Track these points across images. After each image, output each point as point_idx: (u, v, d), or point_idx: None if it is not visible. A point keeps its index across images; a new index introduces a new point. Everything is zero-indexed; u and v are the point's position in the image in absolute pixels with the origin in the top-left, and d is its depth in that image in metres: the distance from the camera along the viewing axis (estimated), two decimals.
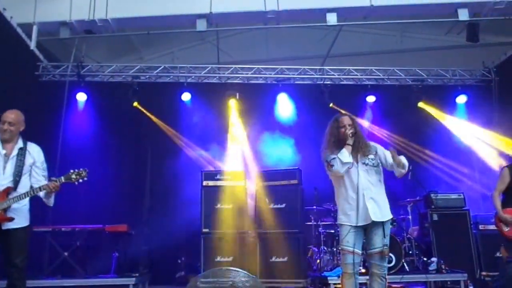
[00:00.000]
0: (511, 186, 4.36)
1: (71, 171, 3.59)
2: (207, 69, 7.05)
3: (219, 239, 5.68)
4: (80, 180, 3.59)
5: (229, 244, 5.66)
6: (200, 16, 6.14)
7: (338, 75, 7.08)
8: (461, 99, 7.14)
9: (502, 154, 6.29)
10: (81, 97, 6.90)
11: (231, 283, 4.18)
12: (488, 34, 6.55)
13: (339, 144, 3.51)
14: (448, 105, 7.16)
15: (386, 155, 3.55)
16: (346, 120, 3.59)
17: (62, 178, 3.57)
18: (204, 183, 5.96)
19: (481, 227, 5.96)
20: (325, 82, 7.03)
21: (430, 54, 7.19)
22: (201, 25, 6.17)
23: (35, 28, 5.86)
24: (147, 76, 7.06)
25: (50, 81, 6.87)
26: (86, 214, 6.15)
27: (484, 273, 5.65)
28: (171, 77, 7.08)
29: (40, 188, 3.54)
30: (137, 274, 5.34)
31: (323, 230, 5.80)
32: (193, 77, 7.08)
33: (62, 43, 6.47)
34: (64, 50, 6.82)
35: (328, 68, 7.08)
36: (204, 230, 5.77)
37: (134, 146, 7.00)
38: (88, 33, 6.31)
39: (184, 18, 6.27)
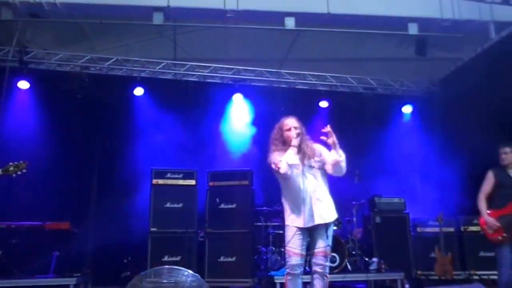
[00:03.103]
0: (495, 189, 4.34)
1: (10, 163, 3.48)
2: (162, 64, 6.88)
3: (167, 239, 5.59)
4: (19, 172, 3.47)
5: (177, 244, 5.58)
6: (157, 9, 6.00)
7: (294, 79, 7.21)
8: (407, 109, 7.56)
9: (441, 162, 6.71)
10: (23, 85, 6.47)
11: (174, 282, 4.13)
12: (435, 49, 6.95)
13: (285, 146, 3.55)
14: (395, 114, 7.55)
15: (328, 155, 3.56)
16: (291, 122, 3.62)
17: (0, 170, 3.42)
18: (154, 181, 5.80)
19: (418, 229, 6.33)
20: (280, 85, 7.14)
21: (382, 64, 7.50)
22: (158, 19, 6.02)
23: None
24: (97, 68, 6.77)
25: None
26: (25, 210, 5.79)
27: (419, 272, 6.03)
28: (124, 70, 6.84)
29: None
30: (78, 274, 5.13)
31: (272, 231, 5.89)
32: (147, 71, 6.88)
33: (3, 25, 6.01)
34: (5, 33, 6.35)
35: (285, 72, 7.19)
36: (152, 229, 5.64)
37: (80, 140, 6.66)
38: (34, 16, 5.94)
39: (140, 10, 6.08)
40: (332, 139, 3.44)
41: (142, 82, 6.80)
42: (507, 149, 4.35)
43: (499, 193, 4.30)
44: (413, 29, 6.32)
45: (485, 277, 5.75)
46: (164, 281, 4.15)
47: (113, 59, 6.78)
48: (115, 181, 6.59)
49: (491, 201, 4.32)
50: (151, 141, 6.57)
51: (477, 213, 4.48)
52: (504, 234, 4.13)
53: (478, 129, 6.18)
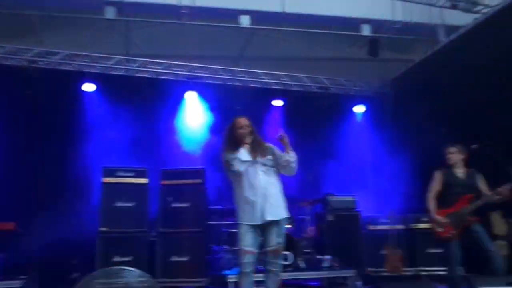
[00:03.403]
0: (443, 188, 4.41)
1: None
2: (114, 60, 6.70)
3: (118, 238, 5.46)
4: None
5: (128, 244, 5.47)
6: (109, 3, 5.86)
7: (248, 77, 7.21)
8: (359, 108, 7.73)
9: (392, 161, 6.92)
10: None
11: (124, 283, 4.05)
12: (387, 50, 7.15)
13: (238, 144, 3.60)
14: (348, 113, 7.71)
15: (279, 155, 3.65)
16: (243, 121, 3.68)
17: None
18: (104, 179, 5.67)
19: (370, 227, 6.48)
20: (235, 84, 7.13)
21: (336, 64, 7.63)
22: (110, 13, 5.89)
23: None
24: (46, 62, 6.50)
25: None
26: None
27: (370, 269, 6.18)
28: (74, 65, 6.60)
29: None
30: (24, 277, 4.93)
31: (225, 230, 5.86)
32: (98, 67, 6.68)
33: None
34: None
35: (238, 70, 7.17)
36: (102, 228, 5.50)
37: (28, 137, 6.39)
38: None
39: (91, 3, 5.92)
40: (285, 141, 3.55)
41: (93, 77, 6.59)
42: (453, 149, 4.46)
43: (446, 193, 4.41)
44: (366, 30, 6.51)
45: (434, 273, 5.94)
46: (114, 282, 4.05)
47: (63, 54, 6.54)
48: (64, 179, 6.39)
49: (439, 200, 4.43)
50: (102, 139, 6.40)
51: (425, 211, 4.57)
52: (453, 231, 4.24)
53: (428, 129, 6.42)
